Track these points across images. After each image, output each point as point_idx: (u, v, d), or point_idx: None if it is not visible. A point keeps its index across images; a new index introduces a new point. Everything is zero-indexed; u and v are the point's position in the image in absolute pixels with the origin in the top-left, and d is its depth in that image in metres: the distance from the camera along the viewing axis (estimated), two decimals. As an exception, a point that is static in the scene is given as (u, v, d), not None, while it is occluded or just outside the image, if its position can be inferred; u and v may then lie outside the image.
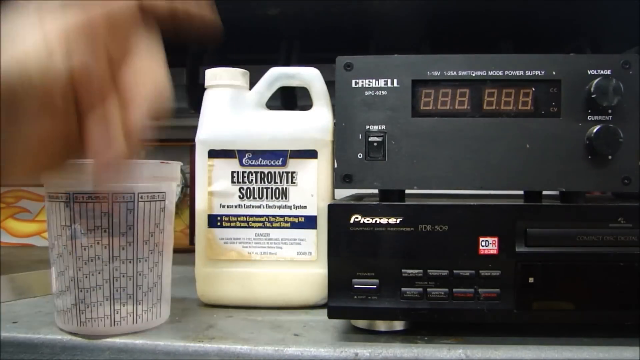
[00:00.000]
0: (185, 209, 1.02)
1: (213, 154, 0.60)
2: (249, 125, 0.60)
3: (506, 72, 0.49)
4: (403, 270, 0.47)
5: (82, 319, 0.48)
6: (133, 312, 0.49)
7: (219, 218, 0.60)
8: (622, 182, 0.49)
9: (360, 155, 0.50)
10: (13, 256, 0.85)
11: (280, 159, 0.59)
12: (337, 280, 0.48)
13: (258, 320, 0.55)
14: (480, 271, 0.47)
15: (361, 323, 0.51)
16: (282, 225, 0.60)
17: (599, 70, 0.49)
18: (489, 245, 0.47)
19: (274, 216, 0.60)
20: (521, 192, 0.58)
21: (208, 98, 0.62)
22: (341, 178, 0.50)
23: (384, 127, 0.50)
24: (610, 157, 0.48)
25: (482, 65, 0.50)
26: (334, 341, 0.48)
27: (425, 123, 0.50)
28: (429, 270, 0.47)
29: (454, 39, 0.85)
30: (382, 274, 0.48)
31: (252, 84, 0.63)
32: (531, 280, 0.47)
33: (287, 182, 0.60)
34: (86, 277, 0.48)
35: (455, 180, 0.50)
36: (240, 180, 0.60)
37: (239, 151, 0.60)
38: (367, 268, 0.48)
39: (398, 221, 0.48)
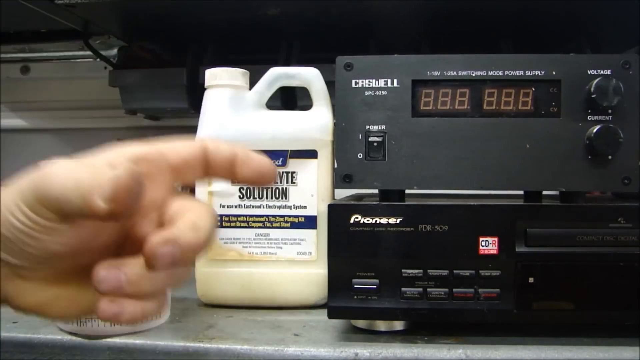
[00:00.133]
0: (185, 209, 1.01)
1: (213, 154, 0.60)
2: (249, 125, 0.60)
3: (506, 72, 0.49)
4: (403, 270, 0.47)
5: (82, 319, 0.48)
6: (133, 312, 0.49)
7: (219, 218, 0.60)
8: (622, 182, 0.49)
9: (360, 155, 0.50)
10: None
11: (280, 159, 0.59)
12: (337, 280, 0.48)
13: (258, 320, 0.55)
14: (480, 271, 0.47)
15: (361, 323, 0.51)
16: (282, 225, 0.60)
17: (599, 70, 0.49)
18: (489, 245, 0.47)
19: (274, 216, 0.60)
20: (521, 192, 0.58)
21: (208, 98, 0.62)
22: (341, 178, 0.50)
23: (384, 127, 0.50)
24: (610, 157, 0.48)
25: (482, 65, 0.50)
26: (334, 341, 0.48)
27: (425, 123, 0.50)
28: (429, 270, 0.47)
29: (454, 39, 0.85)
30: (382, 274, 0.48)
31: (252, 84, 0.63)
32: (531, 280, 0.47)
33: (287, 182, 0.60)
34: (86, 277, 0.48)
35: (455, 180, 0.50)
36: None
37: (239, 151, 0.59)
38: (367, 268, 0.48)
39: (398, 221, 0.48)
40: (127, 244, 0.30)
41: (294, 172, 0.59)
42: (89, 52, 0.93)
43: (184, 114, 0.97)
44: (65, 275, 0.29)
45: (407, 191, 0.53)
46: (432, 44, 0.84)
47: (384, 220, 0.48)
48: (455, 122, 0.50)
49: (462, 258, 0.47)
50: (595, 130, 0.48)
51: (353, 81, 0.50)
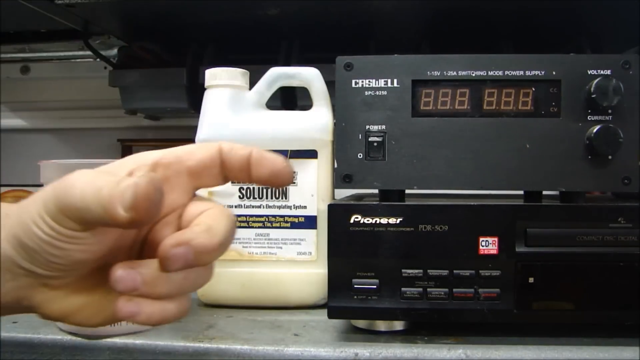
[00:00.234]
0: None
1: (213, 154, 0.60)
2: (249, 125, 0.60)
3: (506, 72, 0.49)
4: (403, 270, 0.47)
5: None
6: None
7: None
8: (622, 182, 0.49)
9: (360, 155, 0.50)
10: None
11: (280, 159, 0.59)
12: (337, 280, 0.48)
13: (258, 320, 0.55)
14: (480, 271, 0.47)
15: (361, 323, 0.51)
16: (282, 225, 0.60)
17: (599, 70, 0.49)
18: (489, 245, 0.47)
19: (274, 216, 0.60)
20: (521, 192, 0.58)
21: (208, 98, 0.62)
22: (341, 178, 0.50)
23: (384, 127, 0.50)
24: (610, 157, 0.48)
25: (482, 65, 0.50)
26: (334, 341, 0.48)
27: (425, 123, 0.50)
28: (429, 270, 0.47)
29: (454, 39, 0.85)
30: (382, 274, 0.48)
31: (252, 84, 0.63)
32: (531, 280, 0.47)
33: (287, 182, 0.60)
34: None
35: (455, 180, 0.50)
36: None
37: (239, 151, 0.60)
38: (367, 268, 0.48)
39: (398, 221, 0.48)
40: (147, 248, 0.31)
41: (294, 172, 0.59)
42: (89, 52, 0.93)
43: (184, 114, 0.97)
44: (90, 283, 0.30)
45: (407, 191, 0.53)
46: (432, 44, 0.84)
47: (384, 220, 0.48)
48: (455, 122, 0.50)
49: (462, 258, 0.47)
50: (595, 130, 0.48)
51: (353, 81, 0.50)
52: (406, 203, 0.49)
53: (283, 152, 0.59)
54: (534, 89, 0.49)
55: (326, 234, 0.48)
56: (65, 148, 1.14)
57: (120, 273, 0.27)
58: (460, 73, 0.50)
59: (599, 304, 0.47)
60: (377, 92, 0.50)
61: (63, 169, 0.49)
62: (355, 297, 0.48)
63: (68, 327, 0.49)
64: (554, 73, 0.49)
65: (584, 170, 0.49)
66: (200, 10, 0.77)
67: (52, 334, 0.49)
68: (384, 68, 0.50)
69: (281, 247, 0.60)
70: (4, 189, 1.06)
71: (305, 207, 0.60)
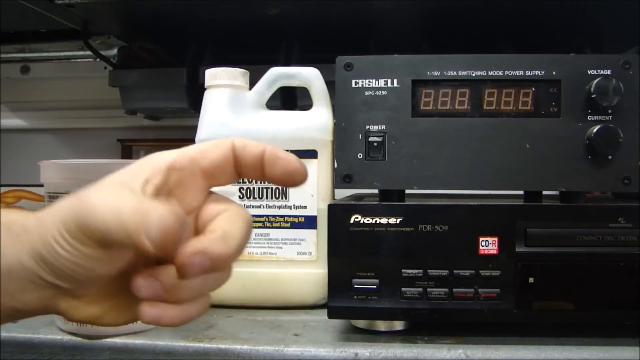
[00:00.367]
0: (185, 209, 1.01)
1: (213, 154, 0.60)
2: (249, 125, 0.60)
3: (506, 72, 0.49)
4: (403, 270, 0.47)
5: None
6: (133, 312, 0.49)
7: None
8: (622, 182, 0.49)
9: (360, 155, 0.50)
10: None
11: (280, 159, 0.59)
12: (337, 280, 0.48)
13: (258, 320, 0.55)
14: (480, 271, 0.47)
15: (361, 323, 0.51)
16: (282, 225, 0.60)
17: (599, 70, 0.49)
18: (489, 245, 0.47)
19: (274, 216, 0.60)
20: (521, 192, 0.58)
21: (208, 98, 0.62)
22: (341, 178, 0.50)
23: (384, 127, 0.50)
24: (610, 157, 0.48)
25: (482, 65, 0.50)
26: (334, 341, 0.48)
27: (425, 123, 0.50)
28: (429, 270, 0.47)
29: (454, 39, 0.85)
30: (382, 274, 0.48)
31: (252, 84, 0.63)
32: (531, 280, 0.47)
33: (287, 182, 0.60)
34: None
35: (455, 180, 0.50)
36: (240, 179, 0.60)
37: (239, 151, 0.59)
38: (367, 268, 0.48)
39: (398, 221, 0.48)
40: None
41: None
42: (89, 52, 0.93)
43: (183, 114, 0.97)
44: (112, 288, 0.30)
45: (407, 191, 0.53)
46: (432, 44, 0.84)
47: (384, 220, 0.48)
48: (455, 122, 0.50)
49: (462, 258, 0.47)
50: (595, 130, 0.48)
51: (353, 81, 0.50)
52: (406, 203, 0.49)
53: (283, 152, 0.59)
54: (534, 89, 0.49)
55: (326, 234, 0.48)
56: (65, 148, 1.14)
57: (142, 282, 0.28)
58: (460, 73, 0.50)
59: (599, 304, 0.47)
60: (377, 92, 0.50)
61: (63, 169, 0.49)
62: (355, 297, 0.48)
63: (68, 327, 0.49)
64: (554, 73, 0.49)
65: (584, 170, 0.49)
66: (200, 10, 0.77)
67: (52, 334, 0.49)
68: (384, 68, 0.50)
69: (281, 247, 0.60)
70: (4, 189, 1.06)
71: (305, 207, 0.60)
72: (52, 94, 1.11)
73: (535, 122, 0.49)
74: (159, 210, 0.26)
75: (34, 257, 0.27)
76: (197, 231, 0.31)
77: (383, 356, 0.45)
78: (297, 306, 0.59)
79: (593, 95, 0.48)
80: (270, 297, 0.59)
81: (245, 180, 0.59)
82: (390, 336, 0.49)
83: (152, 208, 0.26)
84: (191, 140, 0.61)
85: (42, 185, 0.50)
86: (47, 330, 0.50)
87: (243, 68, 0.62)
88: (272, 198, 0.60)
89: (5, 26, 0.95)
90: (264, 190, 0.60)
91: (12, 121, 1.13)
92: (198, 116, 0.61)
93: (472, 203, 0.48)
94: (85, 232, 0.27)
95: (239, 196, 0.60)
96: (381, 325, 0.50)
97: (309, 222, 0.60)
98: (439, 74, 0.50)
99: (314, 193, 0.59)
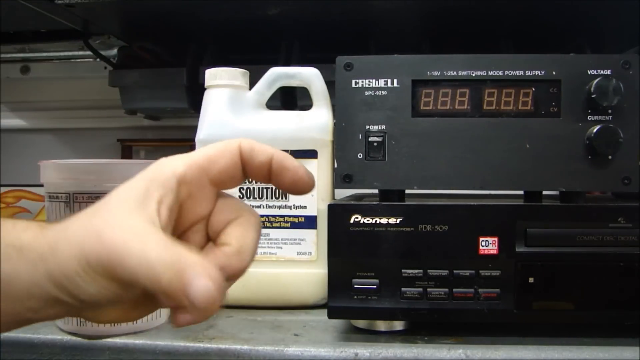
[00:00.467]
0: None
1: (213, 154, 0.60)
2: (249, 125, 0.60)
3: (506, 72, 0.49)
4: (403, 270, 0.47)
5: (82, 319, 0.48)
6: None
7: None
8: (622, 182, 0.49)
9: (360, 155, 0.50)
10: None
11: (280, 159, 0.59)
12: (337, 280, 0.48)
13: (258, 320, 0.55)
14: (480, 271, 0.47)
15: (361, 323, 0.51)
16: (282, 225, 0.60)
17: (599, 70, 0.49)
18: (489, 245, 0.47)
19: (274, 216, 0.60)
20: (521, 192, 0.58)
21: (208, 98, 0.62)
22: (341, 178, 0.50)
23: (384, 127, 0.50)
24: (610, 157, 0.48)
25: (482, 65, 0.50)
26: (334, 341, 0.48)
27: (425, 123, 0.50)
28: (429, 270, 0.47)
29: (454, 39, 0.85)
30: (382, 274, 0.48)
31: (252, 84, 0.63)
32: (531, 280, 0.47)
33: (287, 182, 0.59)
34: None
35: (455, 180, 0.50)
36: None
37: (239, 151, 0.59)
38: (367, 268, 0.48)
39: (398, 221, 0.48)
40: None
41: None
42: (89, 52, 0.93)
43: (184, 114, 0.97)
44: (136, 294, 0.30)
45: (407, 191, 0.53)
46: (432, 44, 0.84)
47: (384, 220, 0.48)
48: (455, 122, 0.50)
49: (462, 258, 0.47)
50: (595, 130, 0.48)
51: (353, 81, 0.50)
52: (406, 203, 0.49)
53: (283, 152, 0.59)
54: (534, 89, 0.49)
55: (326, 234, 0.48)
56: (65, 148, 1.14)
57: (180, 318, 0.28)
58: (460, 73, 0.50)
59: (599, 304, 0.47)
60: (377, 92, 0.50)
61: (63, 169, 0.49)
62: (355, 297, 0.48)
63: (68, 327, 0.49)
64: (554, 73, 0.49)
65: (584, 170, 0.49)
66: (200, 10, 0.77)
67: (52, 334, 0.49)
68: (384, 68, 0.50)
69: (281, 247, 0.60)
70: (4, 189, 1.06)
71: (305, 207, 0.60)
72: (52, 94, 1.11)
73: (535, 122, 0.49)
74: (202, 280, 0.25)
75: (54, 284, 0.27)
76: (209, 237, 0.32)
77: (383, 356, 0.45)
78: (297, 306, 0.59)
79: (593, 95, 0.48)
80: (270, 297, 0.59)
81: (245, 180, 0.59)
82: (390, 336, 0.49)
83: (188, 267, 0.26)
84: (191, 140, 0.61)
85: (42, 185, 0.50)
86: (47, 330, 0.50)
87: (243, 68, 0.62)
88: (272, 198, 0.60)
89: (5, 26, 0.95)
90: (264, 190, 0.60)
91: (12, 121, 1.13)
92: (198, 116, 0.61)
93: (472, 203, 0.48)
94: (113, 278, 0.26)
95: (239, 196, 0.60)
96: (381, 325, 0.50)
97: (309, 222, 0.60)
98: (439, 74, 0.50)
99: (314, 193, 0.59)
